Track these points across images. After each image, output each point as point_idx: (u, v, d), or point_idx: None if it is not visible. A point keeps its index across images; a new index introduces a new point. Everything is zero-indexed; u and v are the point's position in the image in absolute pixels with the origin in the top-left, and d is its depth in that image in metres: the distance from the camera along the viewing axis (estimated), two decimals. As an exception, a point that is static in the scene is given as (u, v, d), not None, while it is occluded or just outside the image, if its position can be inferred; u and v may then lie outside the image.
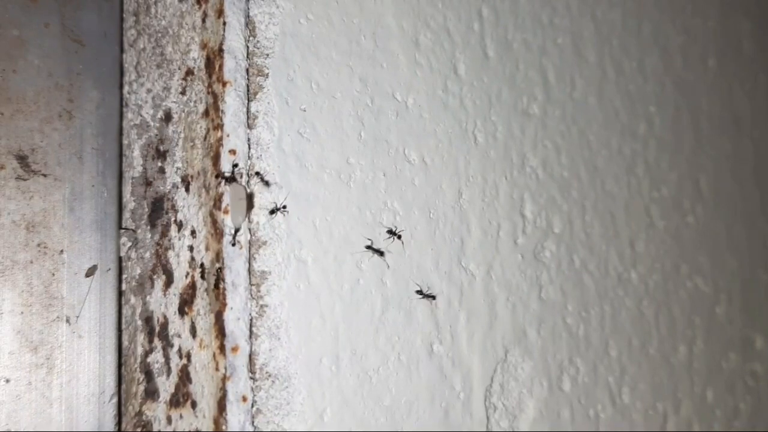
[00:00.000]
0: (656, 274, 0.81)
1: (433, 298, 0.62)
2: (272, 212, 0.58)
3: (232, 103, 0.59)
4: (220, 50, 0.60)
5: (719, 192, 0.83)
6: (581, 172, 0.80)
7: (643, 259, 0.82)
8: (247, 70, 0.60)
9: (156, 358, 0.63)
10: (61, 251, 0.64)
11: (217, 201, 0.58)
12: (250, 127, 0.60)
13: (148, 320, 0.64)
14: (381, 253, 0.61)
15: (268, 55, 0.61)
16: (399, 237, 0.60)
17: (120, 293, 0.66)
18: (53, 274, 0.63)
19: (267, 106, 0.60)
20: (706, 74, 0.83)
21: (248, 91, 0.60)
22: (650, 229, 0.82)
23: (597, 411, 0.74)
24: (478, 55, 0.75)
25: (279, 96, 0.61)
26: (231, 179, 0.57)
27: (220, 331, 0.56)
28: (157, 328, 0.63)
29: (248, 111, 0.60)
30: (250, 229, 0.58)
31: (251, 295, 0.58)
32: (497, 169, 0.74)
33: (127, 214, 0.68)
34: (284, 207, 0.58)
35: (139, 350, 0.65)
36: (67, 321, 0.65)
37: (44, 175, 0.64)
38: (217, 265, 0.57)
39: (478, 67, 0.75)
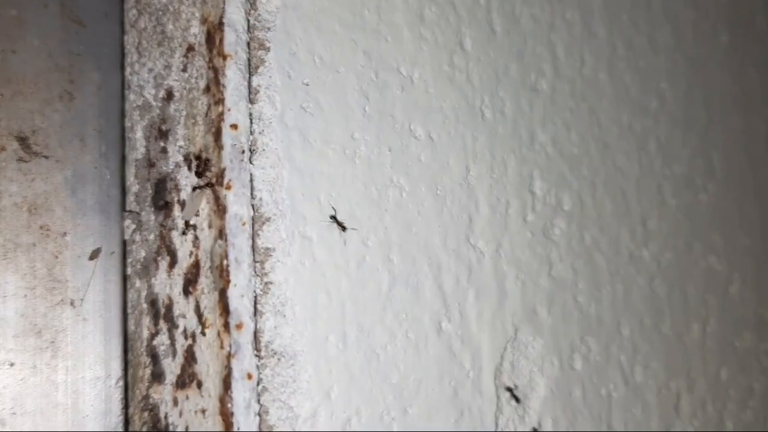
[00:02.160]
0: (669, 252, 0.80)
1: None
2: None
3: (233, 76, 0.58)
4: (220, 23, 0.59)
5: (731, 169, 0.81)
6: (591, 149, 0.78)
7: (655, 237, 0.80)
8: (248, 44, 0.59)
9: (162, 341, 0.62)
10: (64, 234, 0.63)
11: (219, 177, 0.57)
12: (251, 101, 0.59)
13: (153, 303, 0.64)
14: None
15: (269, 28, 0.60)
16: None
17: (125, 277, 0.66)
18: (56, 257, 0.62)
19: (269, 80, 0.59)
20: (717, 50, 0.81)
21: (249, 65, 0.59)
22: (662, 206, 0.80)
23: (609, 390, 0.72)
24: (485, 30, 0.73)
25: (281, 70, 0.60)
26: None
27: (225, 309, 0.55)
28: (163, 310, 0.63)
29: (250, 85, 0.59)
30: (253, 205, 0.57)
31: (255, 272, 0.57)
32: (505, 145, 0.72)
33: (131, 197, 0.67)
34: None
35: (145, 333, 0.64)
36: (72, 304, 0.64)
37: (45, 157, 0.63)
38: (220, 242, 0.56)
39: (484, 41, 0.73)
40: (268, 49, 0.60)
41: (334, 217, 0.59)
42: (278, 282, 0.57)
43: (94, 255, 0.64)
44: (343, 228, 0.59)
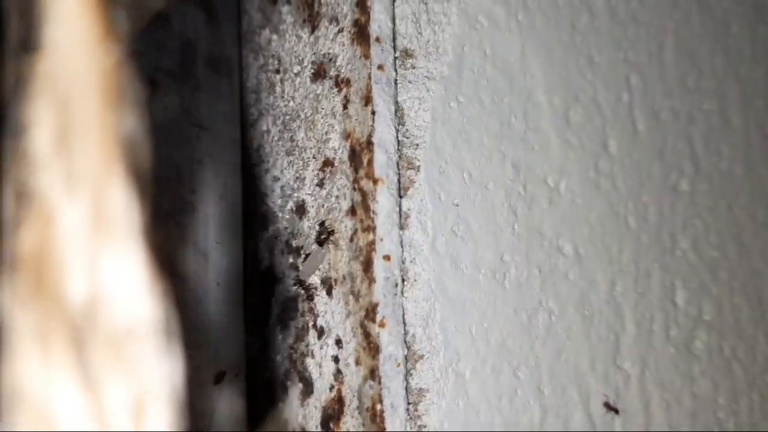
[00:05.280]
0: (805, 356, 0.75)
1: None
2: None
3: (384, 203, 0.54)
4: (369, 143, 0.54)
5: None
6: (729, 250, 0.73)
7: (790, 339, 0.75)
8: (398, 164, 0.55)
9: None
10: (191, 356, 0.59)
11: (371, 312, 0.53)
12: (402, 227, 0.55)
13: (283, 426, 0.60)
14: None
15: (418, 145, 0.56)
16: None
17: (249, 397, 0.62)
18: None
19: (420, 203, 0.55)
20: None
21: (399, 187, 0.55)
22: (796, 305, 0.75)
23: None
24: (628, 129, 0.69)
25: (431, 191, 0.56)
26: None
27: (380, 460, 0.51)
28: (289, 435, 0.59)
29: (400, 210, 0.55)
30: (405, 342, 0.53)
31: (409, 415, 0.53)
32: (649, 254, 0.68)
33: (252, 308, 0.64)
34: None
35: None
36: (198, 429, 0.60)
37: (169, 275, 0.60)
38: (371, 382, 0.52)
39: (628, 142, 0.68)
40: (417, 169, 0.56)
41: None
42: (432, 425, 0.53)
43: (219, 379, 0.60)
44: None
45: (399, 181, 0.55)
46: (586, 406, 0.62)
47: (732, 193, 0.75)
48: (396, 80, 0.56)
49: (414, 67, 0.57)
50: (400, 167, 0.55)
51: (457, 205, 0.57)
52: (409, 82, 0.57)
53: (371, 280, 0.53)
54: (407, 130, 0.56)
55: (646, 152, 0.71)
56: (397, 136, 0.55)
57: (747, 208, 0.77)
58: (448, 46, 0.59)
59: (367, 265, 0.53)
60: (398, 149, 0.55)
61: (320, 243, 0.57)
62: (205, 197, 0.63)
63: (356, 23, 0.56)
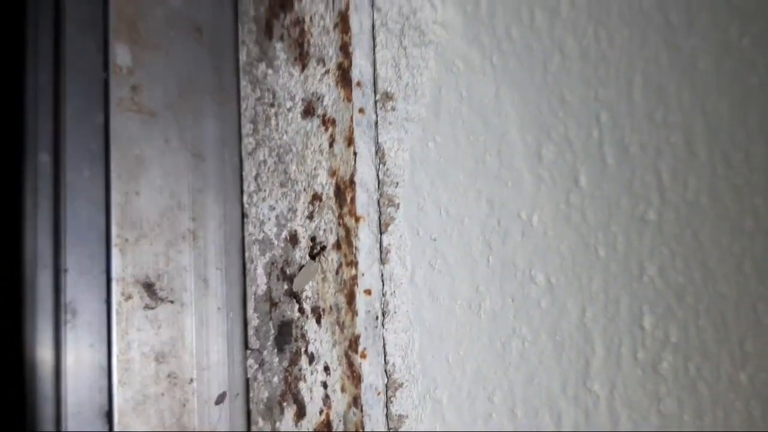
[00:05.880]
0: (763, 373, 0.79)
1: None
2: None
3: (365, 239, 0.58)
4: (352, 182, 0.59)
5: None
6: (695, 275, 0.78)
7: (751, 358, 0.79)
8: (379, 202, 0.59)
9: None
10: (191, 380, 0.63)
11: (353, 343, 0.57)
12: (383, 262, 0.59)
13: (273, 442, 0.64)
14: None
15: (398, 183, 0.60)
16: None
17: (248, 413, 0.66)
18: (184, 405, 0.62)
19: (399, 239, 0.59)
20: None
21: (380, 223, 0.59)
22: (757, 326, 0.79)
23: None
24: (598, 164, 0.73)
25: (410, 227, 0.60)
26: None
27: (361, 480, 0.55)
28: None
29: (381, 245, 0.59)
30: (386, 371, 0.57)
31: (389, 439, 0.57)
32: (618, 282, 0.72)
33: (251, 331, 0.68)
34: None
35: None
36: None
37: (171, 302, 0.63)
38: (354, 410, 0.56)
39: (597, 176, 0.73)
40: (397, 206, 0.60)
41: None
42: (410, 448, 0.57)
43: (220, 399, 0.64)
44: None
45: (380, 219, 0.59)
46: (558, 427, 0.66)
47: (698, 221, 0.79)
48: (377, 122, 0.60)
49: (394, 109, 0.61)
50: (380, 204, 0.59)
51: (435, 240, 0.61)
52: (389, 123, 0.61)
53: (354, 313, 0.57)
54: (387, 169, 0.60)
55: (615, 185, 0.75)
56: (378, 175, 0.59)
57: (712, 235, 0.81)
58: (426, 89, 0.63)
59: (350, 299, 0.57)
60: (379, 188, 0.59)
61: (313, 257, 0.61)
62: (205, 224, 0.66)
63: (340, 66, 0.60)
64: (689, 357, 0.76)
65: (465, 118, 0.65)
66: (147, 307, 0.62)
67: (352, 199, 0.58)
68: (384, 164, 0.60)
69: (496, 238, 0.65)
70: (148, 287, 0.63)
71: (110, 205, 0.62)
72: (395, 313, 0.58)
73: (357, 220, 0.58)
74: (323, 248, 0.60)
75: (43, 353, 0.58)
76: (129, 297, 0.62)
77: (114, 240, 0.61)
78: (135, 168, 0.63)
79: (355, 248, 0.57)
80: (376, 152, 0.59)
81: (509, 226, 0.66)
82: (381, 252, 0.58)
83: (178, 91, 0.65)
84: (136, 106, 0.62)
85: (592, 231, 0.72)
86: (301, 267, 0.62)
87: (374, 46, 0.60)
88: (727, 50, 0.85)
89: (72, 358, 0.59)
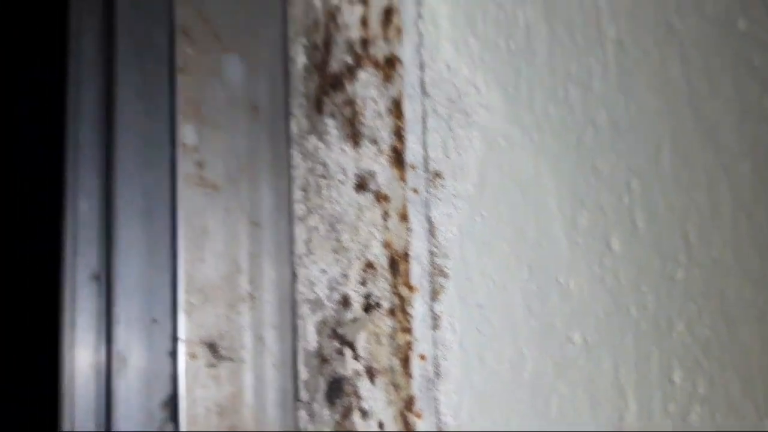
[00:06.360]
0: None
1: None
2: None
3: (419, 308, 0.63)
4: (406, 255, 0.64)
5: None
6: (721, 328, 0.82)
7: (774, 406, 0.84)
8: (430, 273, 0.64)
9: None
10: (250, 434, 0.69)
11: (409, 403, 0.62)
12: (434, 328, 0.64)
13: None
14: None
15: (447, 255, 0.65)
16: None
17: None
18: (244, 459, 0.67)
19: (449, 307, 0.64)
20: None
21: (431, 292, 0.64)
22: (779, 374, 0.84)
23: None
24: (628, 228, 0.78)
25: (459, 295, 0.65)
26: None
27: None
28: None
29: (432, 313, 0.64)
30: (439, 429, 0.62)
31: (441, 492, 0.61)
32: (648, 338, 0.77)
33: (300, 384, 0.73)
34: None
35: None
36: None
37: (231, 360, 0.69)
38: (410, 466, 0.61)
39: (629, 239, 0.77)
40: (447, 276, 0.65)
41: None
42: (461, 501, 0.62)
43: (275, 452, 0.69)
44: None
45: (431, 288, 0.64)
46: (594, 477, 0.71)
47: (722, 277, 0.84)
48: (428, 199, 0.65)
49: (443, 187, 0.66)
50: (432, 275, 0.64)
51: (481, 307, 0.66)
52: (439, 200, 0.66)
53: (409, 376, 0.62)
54: (438, 242, 0.65)
55: (645, 247, 0.80)
56: (430, 249, 0.65)
57: (737, 290, 0.86)
58: (472, 167, 0.68)
59: (405, 363, 0.62)
60: (431, 260, 0.64)
61: (367, 310, 0.66)
62: (261, 286, 0.72)
63: (394, 149, 0.65)
64: (716, 408, 0.80)
65: (507, 192, 0.70)
66: (210, 365, 0.67)
67: (407, 271, 0.63)
68: (435, 237, 0.65)
69: (536, 302, 0.70)
70: (211, 346, 0.68)
71: (177, 272, 0.67)
72: (447, 375, 0.63)
73: (411, 290, 0.63)
74: (377, 312, 0.65)
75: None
76: (194, 356, 0.67)
77: (182, 305, 0.67)
78: (200, 238, 0.69)
79: (410, 315, 0.63)
80: (428, 228, 0.64)
81: (548, 290, 0.71)
82: (433, 319, 0.64)
83: (237, 164, 0.70)
84: (201, 180, 0.68)
85: (624, 292, 0.77)
86: (354, 321, 0.67)
87: (425, 130, 0.65)
88: (747, 112, 0.91)
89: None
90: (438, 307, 0.64)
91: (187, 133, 0.66)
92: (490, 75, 0.70)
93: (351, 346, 0.70)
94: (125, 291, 0.68)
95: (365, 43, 0.69)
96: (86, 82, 0.69)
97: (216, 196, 0.69)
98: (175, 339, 0.66)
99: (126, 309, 0.70)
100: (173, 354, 0.66)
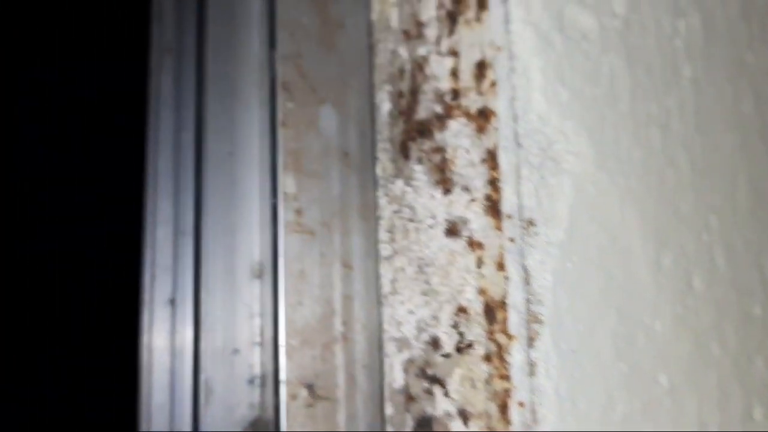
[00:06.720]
0: None
1: None
2: None
3: (517, 356, 0.65)
4: (503, 303, 0.66)
5: None
6: (797, 362, 0.83)
7: None
8: (527, 320, 0.66)
9: None
10: (344, 471, 0.71)
11: None
12: (530, 374, 0.66)
13: None
14: None
15: (542, 302, 0.67)
16: None
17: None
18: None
19: (544, 354, 0.66)
20: None
21: (528, 339, 0.66)
22: None
23: None
24: (708, 266, 0.79)
25: (553, 342, 0.67)
26: None
27: None
28: None
29: (529, 359, 0.66)
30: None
31: None
32: (729, 376, 0.78)
33: (387, 419, 0.75)
34: None
35: None
36: None
37: (326, 399, 0.71)
38: (509, 507, 0.63)
39: (709, 277, 0.79)
40: (542, 323, 0.67)
41: None
42: None
43: (368, 488, 0.72)
44: None
45: (528, 335, 0.66)
46: None
47: (800, 313, 0.85)
48: (522, 248, 0.67)
49: (537, 234, 0.68)
50: (528, 323, 0.66)
51: (574, 352, 0.68)
52: (533, 247, 0.68)
53: (507, 422, 0.64)
54: (533, 289, 0.67)
55: (724, 284, 0.81)
56: (526, 297, 0.66)
57: (811, 323, 0.87)
58: (563, 214, 0.70)
59: (503, 409, 0.65)
60: (527, 308, 0.66)
61: (459, 351, 0.68)
62: (353, 327, 0.74)
63: (488, 198, 0.67)
64: (795, 443, 0.82)
65: (596, 236, 0.72)
66: (309, 405, 0.70)
67: (505, 319, 0.65)
68: (530, 285, 0.67)
69: (624, 345, 0.71)
70: (309, 387, 0.70)
71: (278, 315, 0.70)
72: (543, 421, 0.65)
73: (509, 338, 0.65)
74: (470, 356, 0.67)
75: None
76: (294, 397, 0.70)
77: (283, 347, 0.69)
78: (299, 282, 0.71)
79: (507, 363, 0.65)
80: (524, 277, 0.66)
81: (635, 332, 0.73)
82: (529, 365, 0.65)
83: (331, 210, 0.72)
84: (300, 227, 0.70)
85: (706, 330, 0.78)
86: (446, 360, 0.70)
87: (519, 179, 0.67)
88: (814, 145, 0.91)
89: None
90: (534, 354, 0.66)
91: (287, 183, 0.69)
92: (577, 122, 0.72)
93: (442, 384, 0.72)
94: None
95: (456, 93, 0.70)
96: (184, 131, 0.72)
97: (312, 241, 0.71)
98: (276, 382, 0.69)
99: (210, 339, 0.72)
100: (276, 397, 0.69)
